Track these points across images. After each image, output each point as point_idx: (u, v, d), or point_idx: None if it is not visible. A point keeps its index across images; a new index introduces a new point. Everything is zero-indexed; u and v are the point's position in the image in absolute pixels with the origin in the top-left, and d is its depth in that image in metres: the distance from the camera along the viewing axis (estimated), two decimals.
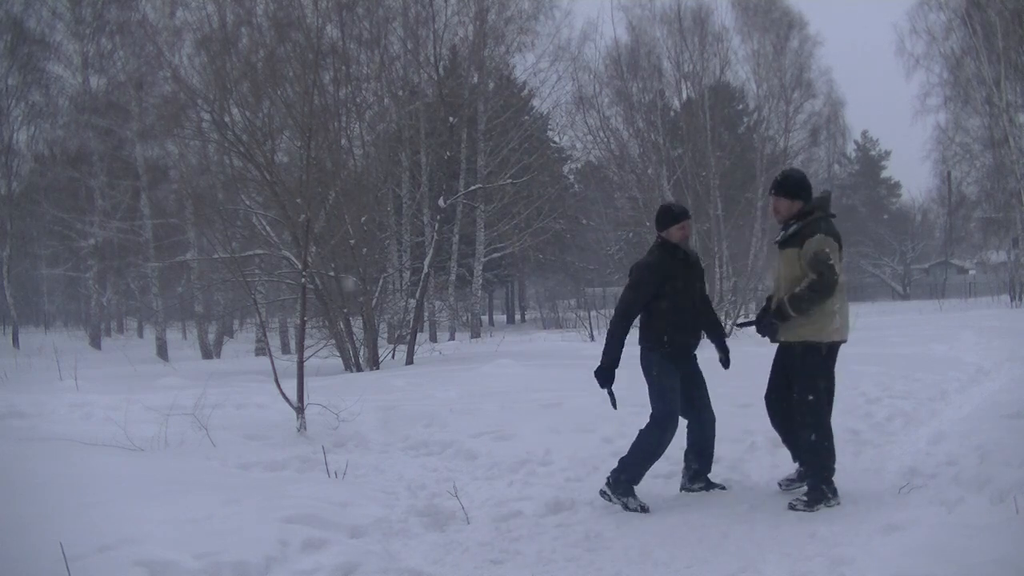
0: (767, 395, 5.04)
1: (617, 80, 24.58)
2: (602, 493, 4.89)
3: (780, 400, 4.93)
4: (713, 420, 5.12)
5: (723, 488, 5.13)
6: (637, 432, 4.98)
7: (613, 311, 5.13)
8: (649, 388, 5.00)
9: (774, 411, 5.01)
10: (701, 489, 5.11)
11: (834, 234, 4.67)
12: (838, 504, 4.64)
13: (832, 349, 4.74)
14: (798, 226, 4.74)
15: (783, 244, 4.81)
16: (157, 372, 14.39)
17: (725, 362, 5.22)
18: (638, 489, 4.88)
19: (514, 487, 5.46)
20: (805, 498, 4.67)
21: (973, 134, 31.30)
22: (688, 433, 5.14)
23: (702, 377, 5.12)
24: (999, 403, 6.95)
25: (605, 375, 4.92)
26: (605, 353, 4.93)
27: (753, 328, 5.12)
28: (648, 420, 4.97)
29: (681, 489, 5.15)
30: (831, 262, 4.57)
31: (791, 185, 4.83)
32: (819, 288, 4.57)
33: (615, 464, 4.95)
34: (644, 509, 4.79)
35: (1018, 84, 27.49)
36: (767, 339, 5.00)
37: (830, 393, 4.82)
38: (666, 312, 4.94)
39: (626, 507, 4.81)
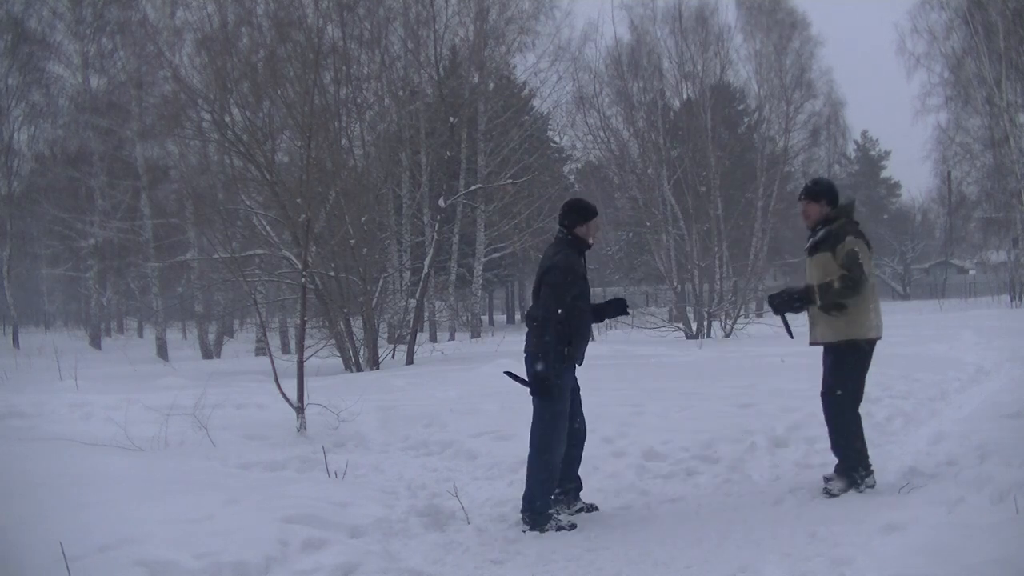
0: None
1: (617, 80, 24.53)
2: (525, 532, 4.54)
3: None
4: (585, 434, 4.93)
5: (596, 509, 4.87)
6: (528, 462, 4.68)
7: (536, 317, 4.57)
8: (538, 407, 4.62)
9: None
10: (580, 511, 4.82)
11: (864, 238, 4.92)
12: (873, 485, 4.84)
13: (871, 345, 4.95)
14: (825, 231, 4.97)
15: (813, 250, 4.99)
16: (157, 372, 14.39)
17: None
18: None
19: (514, 487, 5.44)
20: (837, 484, 4.87)
21: (973, 134, 31.30)
22: None
23: (578, 386, 4.84)
24: (999, 403, 6.95)
25: (549, 386, 4.50)
26: (548, 367, 4.45)
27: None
28: (530, 448, 4.64)
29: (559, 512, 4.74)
30: (860, 261, 4.79)
31: (823, 190, 5.08)
32: (848, 283, 4.76)
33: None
34: (573, 526, 4.59)
35: (1019, 84, 27.47)
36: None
37: (861, 388, 4.99)
38: (572, 318, 4.55)
39: (559, 529, 4.55)
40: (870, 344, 4.93)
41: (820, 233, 4.98)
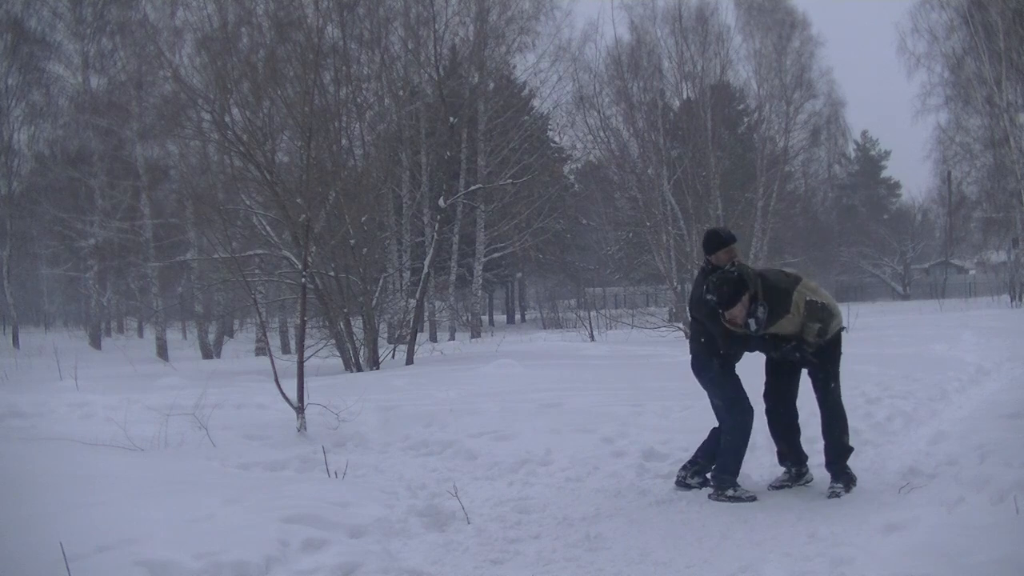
0: (776, 405, 5.17)
1: (618, 80, 24.55)
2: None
3: (784, 405, 5.15)
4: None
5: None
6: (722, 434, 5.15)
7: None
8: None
9: (778, 417, 5.16)
10: (699, 485, 5.15)
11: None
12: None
13: None
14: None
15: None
16: (157, 372, 14.39)
17: None
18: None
19: (514, 487, 5.46)
20: (841, 485, 4.87)
21: (973, 134, 31.27)
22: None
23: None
24: (999, 403, 6.96)
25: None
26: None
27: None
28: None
29: (677, 484, 5.19)
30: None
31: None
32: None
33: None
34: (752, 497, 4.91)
35: (1019, 84, 27.44)
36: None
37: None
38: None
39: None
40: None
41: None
